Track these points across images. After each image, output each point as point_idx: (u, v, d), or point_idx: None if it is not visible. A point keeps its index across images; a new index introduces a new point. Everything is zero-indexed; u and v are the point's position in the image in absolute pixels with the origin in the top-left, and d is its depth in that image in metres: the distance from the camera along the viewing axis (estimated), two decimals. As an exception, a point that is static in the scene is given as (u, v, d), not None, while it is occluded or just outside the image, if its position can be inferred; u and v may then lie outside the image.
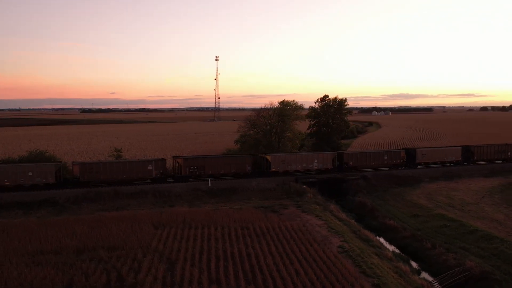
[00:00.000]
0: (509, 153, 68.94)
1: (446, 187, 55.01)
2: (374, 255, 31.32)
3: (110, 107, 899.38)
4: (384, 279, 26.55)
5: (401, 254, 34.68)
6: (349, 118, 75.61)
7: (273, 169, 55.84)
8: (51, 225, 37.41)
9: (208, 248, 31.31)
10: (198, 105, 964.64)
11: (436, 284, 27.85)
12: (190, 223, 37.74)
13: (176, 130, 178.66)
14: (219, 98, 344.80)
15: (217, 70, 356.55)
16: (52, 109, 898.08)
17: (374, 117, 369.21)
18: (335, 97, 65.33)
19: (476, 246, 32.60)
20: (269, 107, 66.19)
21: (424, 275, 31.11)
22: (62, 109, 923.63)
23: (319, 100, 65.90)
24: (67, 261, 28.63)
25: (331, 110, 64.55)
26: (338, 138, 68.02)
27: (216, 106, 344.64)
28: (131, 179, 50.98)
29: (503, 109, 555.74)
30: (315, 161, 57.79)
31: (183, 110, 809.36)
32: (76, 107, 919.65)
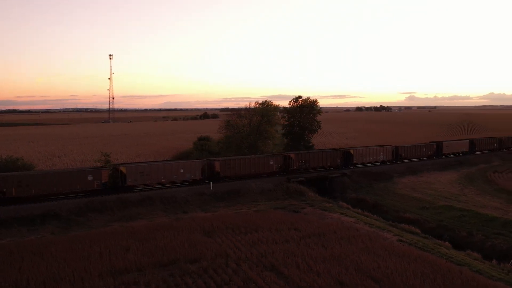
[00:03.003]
0: (495, 145, 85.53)
1: (418, 180, 60.30)
2: (438, 245, 33.69)
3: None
4: (475, 266, 29.00)
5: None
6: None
7: (355, 162, 63.54)
8: (81, 241, 33.29)
9: (289, 252, 30.61)
10: (74, 106, 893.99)
11: None
12: (239, 228, 36.39)
13: (85, 132, 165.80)
14: (113, 98, 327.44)
15: (111, 69, 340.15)
16: None
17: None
18: (308, 98, 67.74)
19: (509, 231, 36.80)
20: (247, 107, 65.82)
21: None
22: None
23: (292, 100, 67.67)
24: (163, 278, 26.09)
25: (306, 110, 66.60)
26: (309, 137, 70.29)
27: (111, 107, 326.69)
28: (257, 174, 55.40)
29: (376, 109, 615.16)
30: (381, 153, 66.55)
31: (59, 111, 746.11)
32: None
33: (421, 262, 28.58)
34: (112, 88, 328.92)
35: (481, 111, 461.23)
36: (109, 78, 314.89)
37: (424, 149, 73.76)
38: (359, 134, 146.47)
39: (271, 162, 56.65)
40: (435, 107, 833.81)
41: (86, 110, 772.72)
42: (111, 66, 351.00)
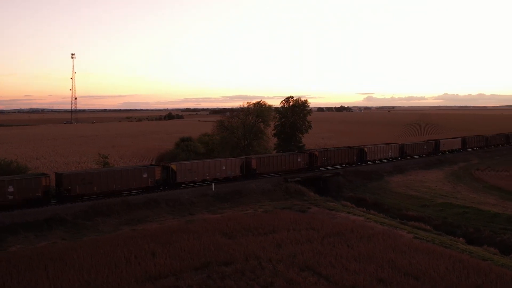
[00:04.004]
0: (482, 142, 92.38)
1: (408, 179, 61.91)
2: (454, 241, 34.75)
3: None
4: (497, 260, 30.10)
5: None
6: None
7: (368, 158, 67.10)
8: (101, 246, 32.10)
9: (317, 252, 30.64)
10: (29, 107, 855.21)
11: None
12: (256, 229, 36.09)
13: (51, 133, 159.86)
14: (76, 99, 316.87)
15: (73, 68, 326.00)
16: None
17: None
18: (299, 98, 68.23)
19: (514, 226, 38.45)
20: (242, 107, 65.55)
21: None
22: None
23: (283, 101, 67.96)
24: (203, 281, 25.59)
25: (298, 110, 67.04)
26: (300, 138, 70.67)
27: (73, 107, 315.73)
28: (287, 170, 57.77)
29: (338, 109, 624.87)
30: (390, 151, 71.39)
31: (14, 112, 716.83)
32: None
33: (448, 258, 29.35)
34: (75, 88, 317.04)
35: (438, 111, 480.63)
36: (71, 78, 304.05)
37: (425, 147, 79.97)
38: (334, 134, 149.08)
39: (299, 159, 59.12)
40: (393, 107, 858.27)
41: (42, 111, 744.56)
42: (73, 66, 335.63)
